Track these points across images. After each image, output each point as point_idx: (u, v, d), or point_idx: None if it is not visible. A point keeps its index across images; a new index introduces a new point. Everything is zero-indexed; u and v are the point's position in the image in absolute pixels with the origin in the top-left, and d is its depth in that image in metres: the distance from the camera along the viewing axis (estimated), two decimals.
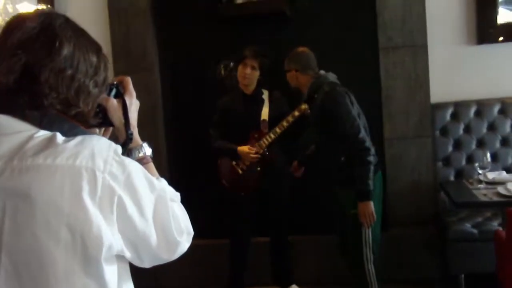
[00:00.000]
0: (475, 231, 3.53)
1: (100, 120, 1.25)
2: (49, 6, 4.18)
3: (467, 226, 3.57)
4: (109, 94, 1.27)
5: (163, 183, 1.23)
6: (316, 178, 4.15)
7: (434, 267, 3.83)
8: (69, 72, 1.09)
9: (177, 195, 1.26)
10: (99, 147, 1.06)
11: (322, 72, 3.38)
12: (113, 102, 1.27)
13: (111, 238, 1.04)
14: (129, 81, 1.33)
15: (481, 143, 3.91)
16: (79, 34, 1.14)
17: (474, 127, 3.93)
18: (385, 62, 3.94)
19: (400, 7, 3.88)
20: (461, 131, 3.96)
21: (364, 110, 4.03)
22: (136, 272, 1.23)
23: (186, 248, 1.21)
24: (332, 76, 3.36)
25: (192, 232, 1.23)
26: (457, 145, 3.97)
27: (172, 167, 4.35)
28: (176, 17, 4.24)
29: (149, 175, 1.16)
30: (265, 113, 3.65)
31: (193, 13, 4.19)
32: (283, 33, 4.09)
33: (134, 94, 1.33)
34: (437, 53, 3.92)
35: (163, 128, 4.31)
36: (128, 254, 1.09)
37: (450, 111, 3.97)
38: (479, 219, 3.64)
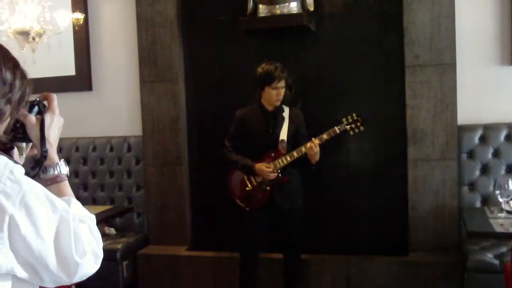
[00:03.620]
0: (496, 262, 3.32)
1: (20, 136, 1.26)
2: (83, 14, 4.31)
3: (489, 256, 3.37)
4: (30, 111, 1.27)
5: (72, 204, 1.22)
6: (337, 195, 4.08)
7: None
8: None
9: (90, 217, 1.24)
10: None
11: None
12: (31, 119, 1.28)
13: (0, 258, 1.04)
14: (53, 98, 1.33)
15: (510, 169, 3.70)
16: None
17: (504, 151, 3.73)
18: (411, 81, 3.80)
19: (428, 24, 3.74)
20: (489, 155, 3.76)
21: (388, 129, 3.93)
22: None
23: (91, 271, 1.18)
24: None
25: (100, 255, 1.20)
26: (485, 169, 3.77)
27: (193, 177, 4.36)
28: (202, 29, 4.26)
29: (51, 196, 1.15)
30: (284, 132, 3.57)
31: (217, 25, 4.19)
32: (307, 46, 4.03)
33: (57, 111, 1.33)
34: (466, 72, 3.75)
35: (186, 137, 4.33)
36: (22, 274, 1.08)
37: (478, 133, 3.78)
38: (503, 250, 3.43)
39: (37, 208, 1.09)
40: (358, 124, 3.51)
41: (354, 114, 3.51)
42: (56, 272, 1.11)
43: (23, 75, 1.19)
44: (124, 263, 4.03)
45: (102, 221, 3.96)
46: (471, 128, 3.78)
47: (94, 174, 4.57)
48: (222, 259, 4.06)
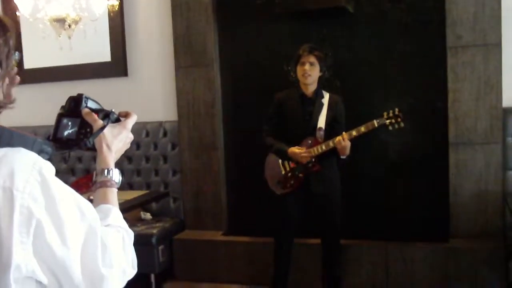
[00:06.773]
0: None
1: (85, 138, 1.26)
2: (118, 0, 4.29)
3: None
4: (103, 119, 1.28)
5: (112, 213, 1.16)
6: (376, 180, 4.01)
7: (496, 285, 3.53)
8: None
9: (127, 230, 1.17)
10: (21, 165, 0.98)
11: None
12: (99, 123, 1.26)
13: (22, 260, 0.96)
14: (132, 116, 1.34)
15: None
16: None
17: None
18: (453, 62, 3.67)
19: (472, 3, 3.60)
20: None
21: (428, 112, 3.82)
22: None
23: (118, 286, 1.10)
24: None
25: (128, 272, 1.12)
26: None
27: (229, 161, 4.34)
28: (236, 13, 4.20)
29: (81, 201, 1.06)
30: (322, 120, 3.49)
31: (252, 9, 4.12)
32: (344, 29, 3.94)
33: (129, 127, 1.32)
34: None
35: (221, 122, 4.30)
36: (44, 279, 1.01)
37: None
38: None
39: (64, 214, 1.01)
40: (399, 119, 3.36)
41: (396, 109, 3.36)
42: (79, 283, 1.03)
43: (4, 29, 1.06)
44: (160, 247, 4.04)
45: (138, 206, 3.97)
46: None
47: (130, 159, 4.59)
48: (257, 244, 4.03)
